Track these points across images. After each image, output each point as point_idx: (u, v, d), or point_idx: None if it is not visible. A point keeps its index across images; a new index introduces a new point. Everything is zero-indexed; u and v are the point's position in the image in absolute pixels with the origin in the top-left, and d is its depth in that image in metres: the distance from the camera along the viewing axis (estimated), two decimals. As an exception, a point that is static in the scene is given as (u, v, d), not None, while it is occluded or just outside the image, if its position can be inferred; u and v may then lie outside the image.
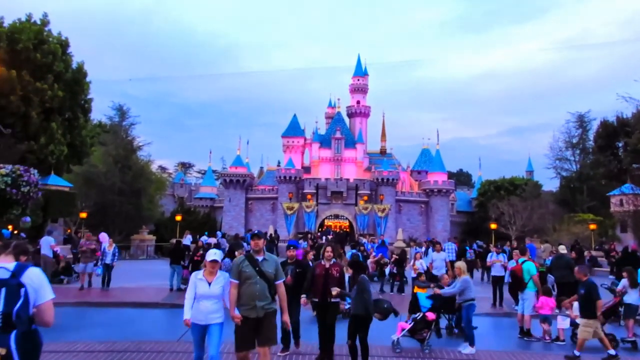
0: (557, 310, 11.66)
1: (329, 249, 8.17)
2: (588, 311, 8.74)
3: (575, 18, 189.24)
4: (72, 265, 19.84)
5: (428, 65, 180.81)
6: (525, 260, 11.31)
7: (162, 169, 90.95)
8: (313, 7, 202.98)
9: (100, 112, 46.16)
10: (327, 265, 7.98)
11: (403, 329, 9.30)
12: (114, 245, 17.63)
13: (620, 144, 51.19)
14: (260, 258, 6.15)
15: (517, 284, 11.09)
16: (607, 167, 47.77)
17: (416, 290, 10.61)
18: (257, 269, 6.03)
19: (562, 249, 15.35)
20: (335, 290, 7.59)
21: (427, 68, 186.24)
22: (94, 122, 48.68)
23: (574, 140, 52.37)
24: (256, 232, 6.48)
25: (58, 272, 18.48)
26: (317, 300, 7.91)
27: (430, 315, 9.49)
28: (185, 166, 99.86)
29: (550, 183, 68.83)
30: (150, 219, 45.44)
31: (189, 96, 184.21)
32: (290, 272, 8.52)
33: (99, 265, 16.98)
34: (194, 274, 6.30)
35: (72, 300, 14.60)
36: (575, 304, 10.79)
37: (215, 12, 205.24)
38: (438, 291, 9.82)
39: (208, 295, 6.03)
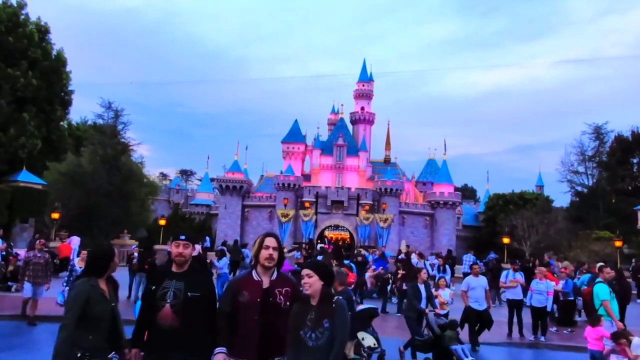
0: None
1: (270, 240, 3.87)
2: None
3: (585, 38, 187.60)
4: (9, 283, 15.81)
5: (435, 80, 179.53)
6: (599, 282, 8.84)
7: (164, 175, 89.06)
8: (322, 22, 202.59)
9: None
10: (267, 284, 3.78)
11: None
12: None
13: (636, 160, 49.01)
14: None
15: (588, 311, 8.73)
16: (621, 184, 45.47)
17: None
18: None
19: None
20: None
21: (434, 83, 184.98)
22: (89, 123, 46.53)
23: (588, 153, 49.85)
24: None
25: (7, 278, 15.99)
26: None
27: None
28: (187, 174, 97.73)
29: (561, 199, 66.20)
30: (141, 224, 42.98)
31: (196, 106, 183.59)
32: (170, 296, 3.82)
33: (64, 288, 11.29)
34: None
35: (18, 312, 12.06)
36: (635, 340, 8.26)
37: (227, 25, 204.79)
38: None
39: None
